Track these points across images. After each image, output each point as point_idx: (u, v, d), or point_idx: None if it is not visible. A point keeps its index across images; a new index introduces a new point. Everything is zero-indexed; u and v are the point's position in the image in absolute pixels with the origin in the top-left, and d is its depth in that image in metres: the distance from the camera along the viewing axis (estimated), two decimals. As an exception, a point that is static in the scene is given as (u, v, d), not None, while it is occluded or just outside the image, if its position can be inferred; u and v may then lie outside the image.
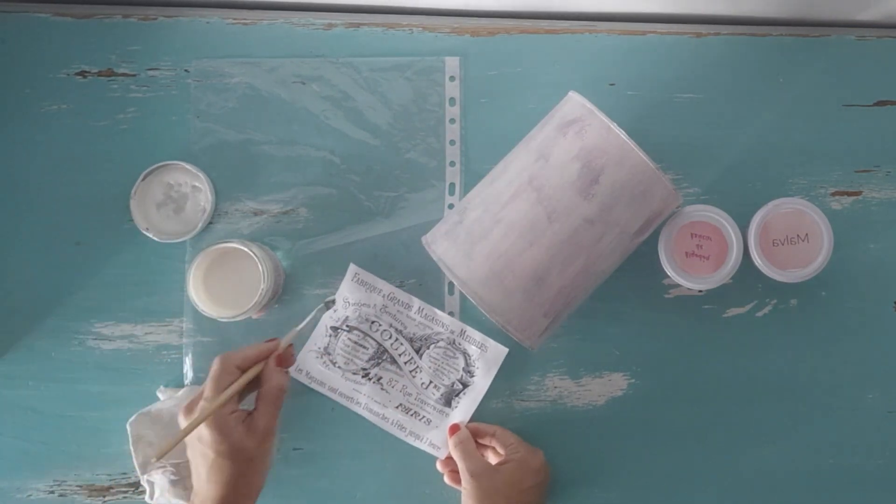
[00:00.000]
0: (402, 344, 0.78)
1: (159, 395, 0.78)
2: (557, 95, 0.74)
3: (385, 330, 0.78)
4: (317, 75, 0.82)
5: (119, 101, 0.81)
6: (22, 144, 0.81)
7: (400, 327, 0.78)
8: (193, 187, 0.80)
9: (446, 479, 0.76)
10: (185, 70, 0.82)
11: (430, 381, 0.78)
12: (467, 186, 0.80)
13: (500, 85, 0.82)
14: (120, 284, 0.80)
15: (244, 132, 0.81)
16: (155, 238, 0.79)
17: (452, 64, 0.82)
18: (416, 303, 0.79)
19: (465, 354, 0.78)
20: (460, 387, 0.78)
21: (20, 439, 0.78)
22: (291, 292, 0.80)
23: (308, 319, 0.73)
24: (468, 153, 0.82)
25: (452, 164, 0.81)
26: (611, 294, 0.79)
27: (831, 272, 0.78)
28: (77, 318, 0.79)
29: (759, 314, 0.80)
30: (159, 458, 0.61)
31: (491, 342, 0.78)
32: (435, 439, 0.77)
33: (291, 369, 0.77)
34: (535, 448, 0.75)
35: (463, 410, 0.78)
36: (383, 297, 0.79)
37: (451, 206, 0.81)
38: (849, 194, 0.82)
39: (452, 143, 0.82)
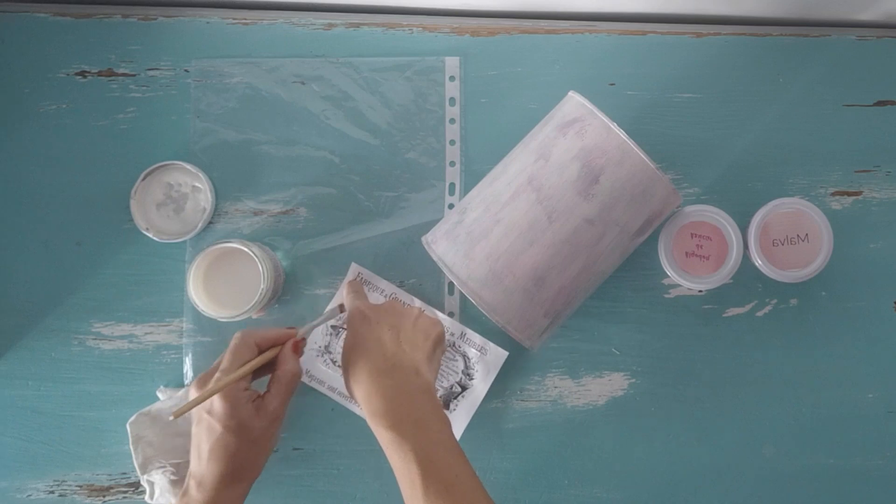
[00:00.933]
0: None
1: (159, 395, 0.78)
2: (557, 95, 0.74)
3: None
4: (317, 75, 0.82)
5: (119, 101, 0.81)
6: (22, 144, 0.81)
7: None
8: (193, 187, 0.80)
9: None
10: (185, 70, 0.82)
11: None
12: (467, 186, 0.80)
13: (500, 85, 0.82)
14: (120, 284, 0.80)
15: (244, 132, 0.81)
16: (155, 238, 0.79)
17: (452, 64, 0.82)
18: (418, 303, 0.79)
19: (465, 357, 0.78)
20: (459, 389, 0.78)
21: (20, 439, 0.78)
22: (291, 292, 0.80)
23: (323, 317, 0.73)
24: (468, 153, 0.82)
25: (452, 164, 0.81)
26: (611, 294, 0.79)
27: (831, 272, 0.78)
28: (77, 318, 0.79)
29: (759, 314, 0.80)
30: (176, 416, 0.60)
31: (491, 345, 0.78)
32: None
33: None
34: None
35: (461, 413, 0.77)
36: (385, 296, 0.79)
37: (451, 206, 0.81)
38: (849, 194, 0.82)
39: (452, 143, 0.82)
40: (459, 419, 0.77)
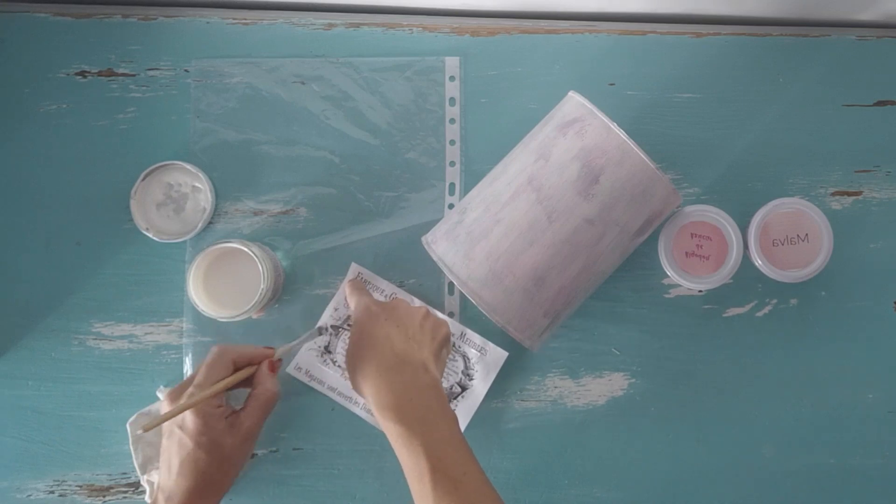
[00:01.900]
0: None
1: (159, 395, 0.78)
2: (557, 95, 0.74)
3: None
4: (317, 75, 0.82)
5: (119, 101, 0.81)
6: (22, 144, 0.81)
7: None
8: (193, 187, 0.80)
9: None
10: (185, 70, 0.82)
11: None
12: (467, 186, 0.80)
13: (500, 85, 0.82)
14: (120, 284, 0.80)
15: (244, 132, 0.81)
16: (155, 238, 0.79)
17: (452, 64, 0.82)
18: (418, 304, 0.79)
19: (465, 357, 0.78)
20: (459, 389, 0.78)
21: (20, 439, 0.78)
22: (291, 292, 0.80)
23: (301, 339, 0.74)
24: (468, 153, 0.82)
25: (452, 164, 0.81)
26: (611, 294, 0.79)
27: (831, 272, 0.78)
28: (77, 318, 0.79)
29: (759, 314, 0.80)
30: (146, 430, 0.60)
31: (491, 345, 0.78)
32: None
33: (291, 367, 0.78)
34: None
35: (462, 413, 0.77)
36: (385, 297, 0.79)
37: (451, 206, 0.81)
38: (849, 194, 0.82)
39: (452, 143, 0.82)
40: (459, 419, 0.76)
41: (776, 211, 0.76)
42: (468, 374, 0.78)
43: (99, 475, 0.78)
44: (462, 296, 0.80)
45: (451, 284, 0.80)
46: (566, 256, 0.69)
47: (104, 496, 0.78)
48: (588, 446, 0.79)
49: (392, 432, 0.61)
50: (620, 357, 0.80)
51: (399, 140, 0.82)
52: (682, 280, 0.75)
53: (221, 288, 0.76)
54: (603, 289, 0.76)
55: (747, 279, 0.79)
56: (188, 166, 0.79)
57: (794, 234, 0.76)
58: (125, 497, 0.78)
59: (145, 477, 0.76)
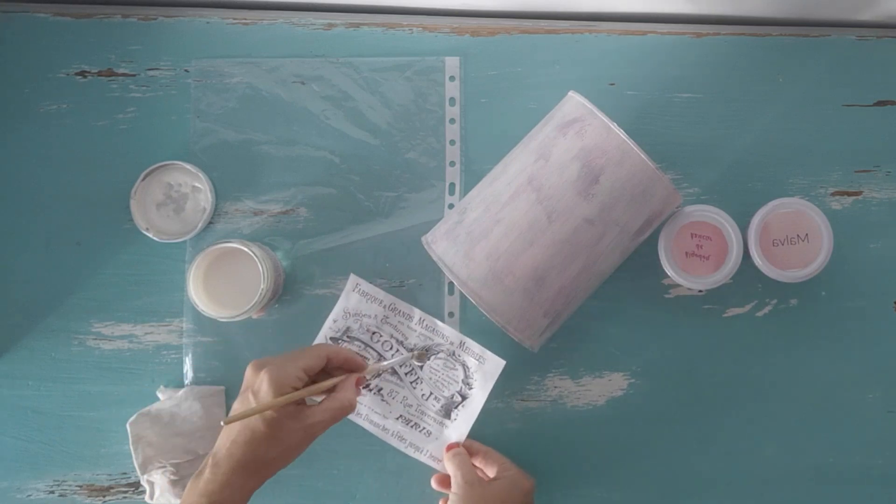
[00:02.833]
0: (402, 355, 0.78)
1: (159, 395, 0.78)
2: (557, 95, 0.74)
3: (386, 341, 0.78)
4: (317, 75, 0.82)
5: (119, 101, 0.81)
6: (22, 144, 0.81)
7: (401, 338, 0.78)
8: (193, 187, 0.80)
9: (434, 484, 0.77)
10: (185, 70, 0.82)
11: (431, 393, 0.77)
12: (467, 186, 0.80)
13: (500, 85, 0.82)
14: (120, 284, 0.80)
15: (244, 132, 0.81)
16: (155, 238, 0.79)
17: (452, 64, 0.82)
18: (417, 314, 0.78)
19: (465, 366, 0.77)
20: (459, 399, 0.77)
21: (20, 439, 0.78)
22: (291, 292, 0.80)
23: (398, 359, 0.76)
24: (468, 153, 0.82)
25: (452, 164, 0.81)
26: (611, 294, 0.79)
27: (831, 272, 0.78)
28: (77, 318, 0.79)
29: (759, 314, 0.80)
30: (227, 423, 0.62)
31: (489, 354, 0.77)
32: (435, 451, 0.76)
33: None
34: (527, 473, 0.74)
35: (462, 422, 0.77)
36: (384, 307, 0.78)
37: (451, 206, 0.81)
38: (849, 194, 0.82)
39: (452, 143, 0.82)
40: (460, 428, 0.76)
41: (776, 211, 0.76)
42: (468, 384, 0.77)
43: (99, 475, 0.79)
44: (462, 296, 0.80)
45: (451, 284, 0.80)
46: (566, 256, 0.68)
47: (104, 496, 0.78)
48: (588, 446, 0.79)
49: None
50: (620, 357, 0.80)
51: (399, 140, 0.82)
52: (682, 280, 0.75)
53: (221, 288, 0.76)
54: (603, 289, 0.76)
55: (747, 279, 0.79)
56: (188, 166, 0.79)
57: (794, 234, 0.76)
58: (125, 497, 0.78)
59: (145, 477, 0.76)
